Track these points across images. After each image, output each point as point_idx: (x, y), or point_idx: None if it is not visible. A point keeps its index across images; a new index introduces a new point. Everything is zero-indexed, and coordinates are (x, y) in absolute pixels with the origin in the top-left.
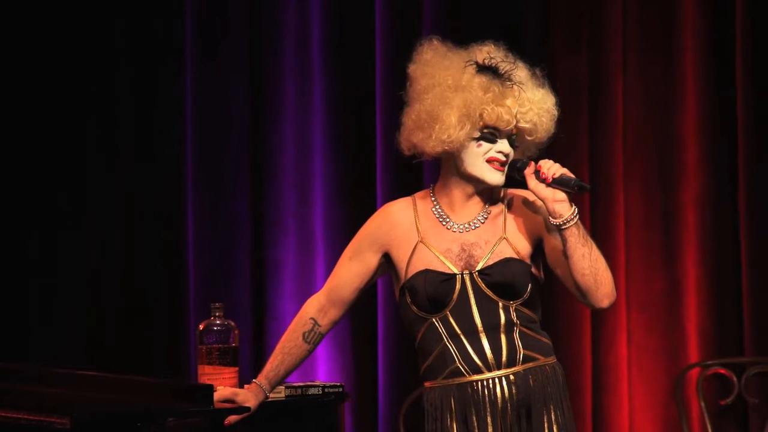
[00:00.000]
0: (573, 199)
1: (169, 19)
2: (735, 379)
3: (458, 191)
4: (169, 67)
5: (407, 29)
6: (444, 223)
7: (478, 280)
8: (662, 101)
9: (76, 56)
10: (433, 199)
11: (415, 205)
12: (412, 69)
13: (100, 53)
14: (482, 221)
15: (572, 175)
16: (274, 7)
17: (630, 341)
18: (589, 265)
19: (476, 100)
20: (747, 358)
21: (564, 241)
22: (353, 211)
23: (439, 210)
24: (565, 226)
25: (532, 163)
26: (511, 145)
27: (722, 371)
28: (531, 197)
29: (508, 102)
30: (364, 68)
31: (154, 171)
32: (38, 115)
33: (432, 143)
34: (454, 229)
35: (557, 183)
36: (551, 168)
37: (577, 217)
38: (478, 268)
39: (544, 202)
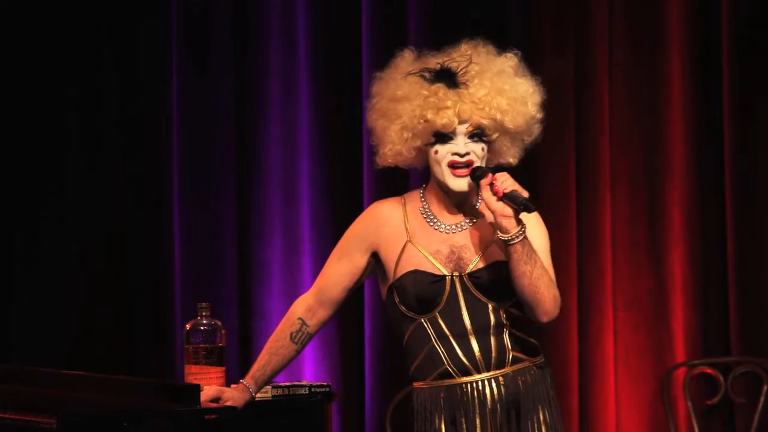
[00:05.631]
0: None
1: (154, 19)
2: (721, 378)
3: (443, 194)
4: (155, 68)
5: (393, 29)
6: (432, 223)
7: (468, 283)
8: (648, 101)
9: (61, 56)
10: (422, 199)
11: (404, 204)
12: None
13: (85, 53)
14: (471, 223)
15: (524, 193)
16: (259, 8)
17: (616, 340)
18: (529, 283)
19: (415, 108)
20: (733, 358)
21: (508, 256)
22: (340, 211)
23: (427, 210)
24: (510, 243)
25: (490, 174)
26: (482, 141)
27: (709, 371)
28: None
29: (449, 103)
30: (351, 68)
31: (140, 171)
32: (20, 117)
33: (387, 159)
34: (442, 230)
35: (507, 198)
36: (504, 182)
37: (523, 235)
38: (468, 270)
39: (493, 215)
